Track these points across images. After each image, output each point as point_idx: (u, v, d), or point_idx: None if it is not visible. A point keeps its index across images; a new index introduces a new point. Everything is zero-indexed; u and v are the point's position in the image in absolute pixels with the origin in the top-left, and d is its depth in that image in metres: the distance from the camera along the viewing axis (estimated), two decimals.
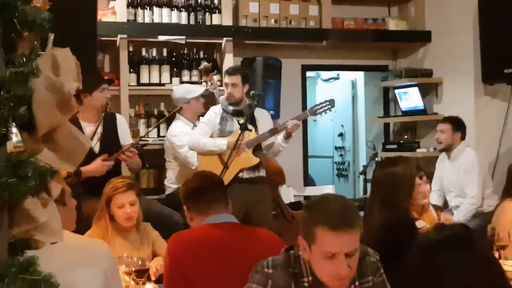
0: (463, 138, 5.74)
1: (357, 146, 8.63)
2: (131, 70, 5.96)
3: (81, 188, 4.15)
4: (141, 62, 6.03)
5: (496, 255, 3.48)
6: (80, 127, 4.48)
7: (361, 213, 2.39)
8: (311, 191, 6.89)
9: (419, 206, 3.85)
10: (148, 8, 6.00)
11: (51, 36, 1.43)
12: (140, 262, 3.20)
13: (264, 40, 6.50)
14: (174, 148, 5.43)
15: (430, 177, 5.67)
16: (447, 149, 5.76)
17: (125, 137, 4.84)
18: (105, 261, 2.43)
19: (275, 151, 5.31)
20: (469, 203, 5.56)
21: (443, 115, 6.43)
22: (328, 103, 5.24)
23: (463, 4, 6.44)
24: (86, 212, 3.88)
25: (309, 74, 7.54)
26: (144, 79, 6.00)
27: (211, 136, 5.19)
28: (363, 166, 6.98)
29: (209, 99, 5.74)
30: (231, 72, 5.28)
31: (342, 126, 8.91)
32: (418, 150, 6.83)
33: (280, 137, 5.20)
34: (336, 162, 9.18)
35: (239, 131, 4.77)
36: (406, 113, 7.05)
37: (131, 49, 5.97)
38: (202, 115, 5.45)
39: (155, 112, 6.03)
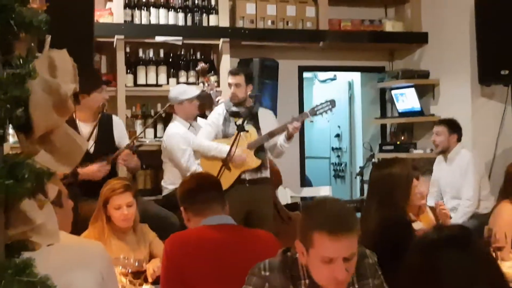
0: (459, 140, 5.74)
1: (353, 147, 8.64)
2: (128, 71, 5.96)
3: (78, 190, 4.14)
4: (138, 63, 6.02)
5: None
6: (76, 127, 4.49)
7: (358, 214, 2.39)
8: (307, 192, 6.90)
9: (416, 207, 3.85)
10: (145, 9, 6.00)
11: (48, 38, 1.43)
12: (136, 264, 3.20)
13: (261, 41, 6.50)
14: (173, 153, 5.40)
15: (427, 179, 5.70)
16: (444, 152, 5.77)
17: (122, 139, 4.84)
18: (101, 262, 2.42)
19: (278, 152, 5.31)
20: (465, 205, 5.56)
21: (440, 116, 6.44)
22: (329, 103, 5.18)
23: (459, 5, 6.45)
24: (83, 213, 3.87)
25: (306, 75, 7.55)
26: (141, 80, 6.00)
27: (216, 137, 5.20)
28: (360, 167, 7.00)
29: (206, 100, 5.74)
30: (235, 72, 5.28)
31: (339, 127, 8.91)
32: (415, 151, 6.84)
33: (282, 137, 5.19)
34: (333, 163, 9.18)
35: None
36: (402, 114, 7.05)
37: (128, 50, 5.97)
38: (203, 116, 5.45)
39: (152, 113, 6.02)
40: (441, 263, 1.57)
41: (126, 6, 5.93)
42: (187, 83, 6.03)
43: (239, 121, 4.97)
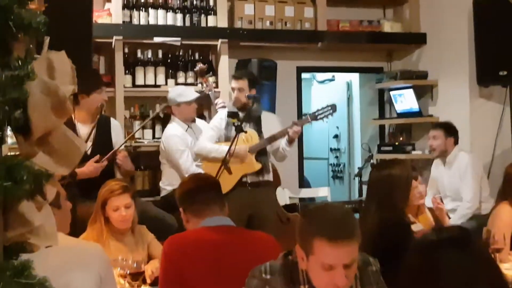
0: (456, 142, 5.71)
1: (352, 148, 8.64)
2: (127, 71, 5.95)
3: (76, 191, 4.14)
4: (137, 64, 6.02)
5: None
6: (74, 128, 4.49)
7: (356, 215, 2.38)
8: (306, 193, 6.90)
9: (414, 208, 3.85)
10: (143, 9, 6.00)
11: (47, 40, 1.43)
12: (135, 265, 3.19)
13: (260, 42, 6.50)
14: (171, 154, 5.40)
15: (426, 180, 5.69)
16: (442, 155, 5.75)
17: (119, 142, 4.84)
18: (99, 264, 2.42)
19: (281, 156, 5.27)
20: (465, 207, 5.54)
21: (438, 117, 6.44)
22: (330, 108, 5.09)
23: (458, 6, 6.45)
24: (81, 214, 3.87)
25: (304, 75, 7.54)
26: (140, 80, 5.99)
27: (218, 140, 5.19)
28: (358, 168, 7.00)
29: (204, 101, 5.73)
30: (238, 76, 5.26)
31: (337, 128, 8.91)
32: (413, 152, 6.83)
33: (283, 141, 5.16)
34: (331, 164, 9.18)
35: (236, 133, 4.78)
36: (401, 115, 7.05)
37: (126, 50, 5.96)
38: (201, 117, 5.44)
39: (150, 114, 6.02)
40: (440, 263, 1.57)
41: (124, 6, 5.93)
42: (186, 83, 6.02)
43: (237, 122, 4.95)
